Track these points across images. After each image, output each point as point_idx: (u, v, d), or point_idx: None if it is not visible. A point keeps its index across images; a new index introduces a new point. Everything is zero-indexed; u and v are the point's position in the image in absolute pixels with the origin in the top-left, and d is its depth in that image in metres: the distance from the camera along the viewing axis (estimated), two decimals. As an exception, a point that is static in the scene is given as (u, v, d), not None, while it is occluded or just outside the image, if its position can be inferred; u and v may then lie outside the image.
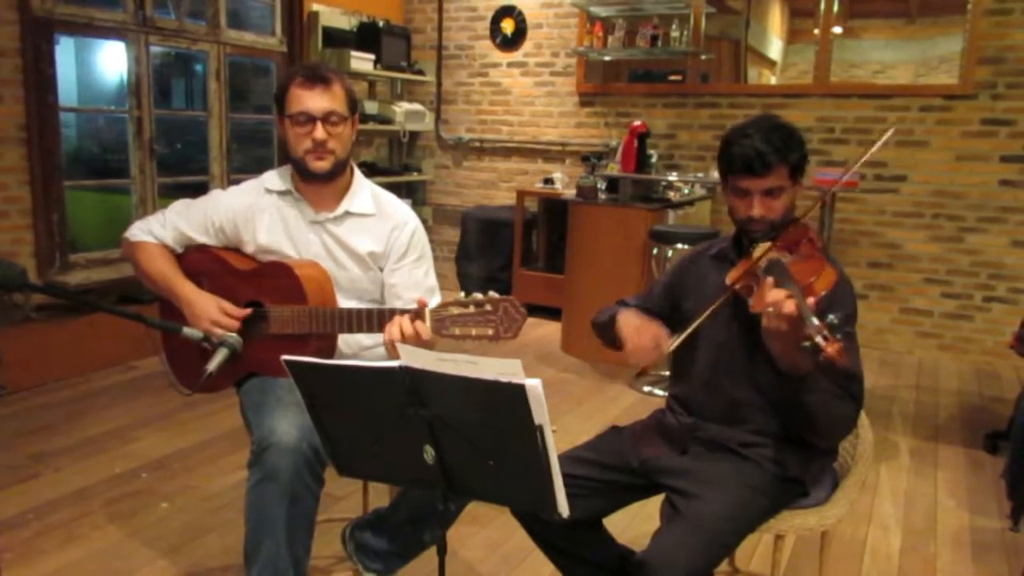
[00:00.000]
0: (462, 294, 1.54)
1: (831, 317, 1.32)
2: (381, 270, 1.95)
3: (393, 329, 1.61)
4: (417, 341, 1.57)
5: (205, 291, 1.88)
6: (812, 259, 1.57)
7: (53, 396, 3.56)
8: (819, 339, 1.29)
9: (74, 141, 6.16)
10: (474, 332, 1.52)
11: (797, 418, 1.57)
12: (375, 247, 1.92)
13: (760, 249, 1.61)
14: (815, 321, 1.31)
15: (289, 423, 1.64)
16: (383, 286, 1.96)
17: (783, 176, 1.61)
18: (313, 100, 1.79)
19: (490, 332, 1.51)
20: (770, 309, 1.41)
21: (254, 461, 1.65)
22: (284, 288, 1.81)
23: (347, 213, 1.92)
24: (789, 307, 1.37)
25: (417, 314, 1.60)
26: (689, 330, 1.62)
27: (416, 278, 1.94)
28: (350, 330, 1.76)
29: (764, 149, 1.58)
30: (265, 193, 1.94)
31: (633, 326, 1.68)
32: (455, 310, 1.53)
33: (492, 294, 1.51)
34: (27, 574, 2.20)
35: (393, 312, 1.67)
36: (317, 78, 1.81)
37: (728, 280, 1.63)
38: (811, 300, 1.39)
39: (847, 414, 1.57)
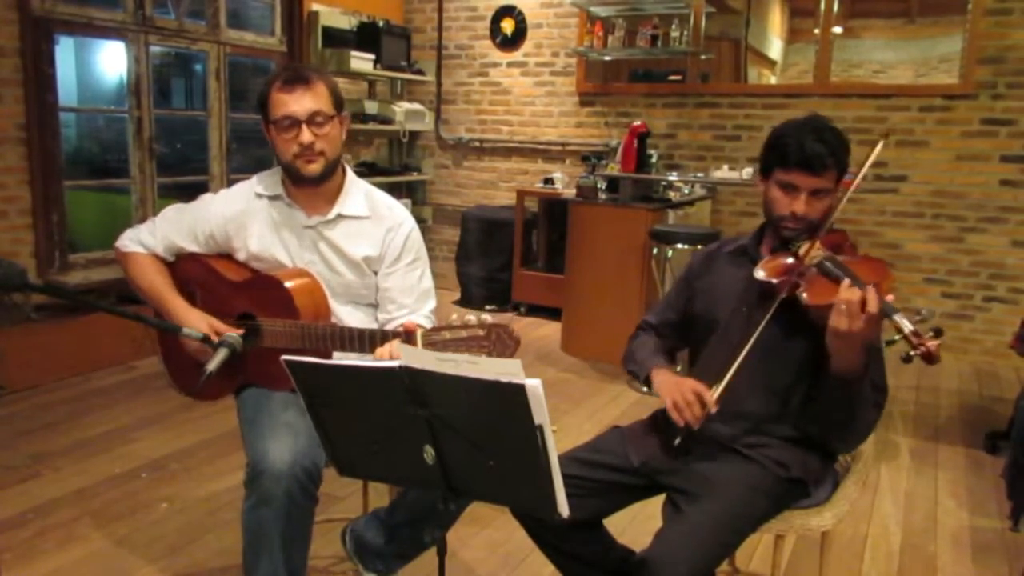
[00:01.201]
0: (455, 316, 1.51)
1: (923, 312, 1.31)
2: (376, 273, 1.91)
3: (383, 353, 1.62)
4: None
5: (197, 305, 1.86)
6: (871, 260, 1.57)
7: (53, 396, 3.56)
8: (910, 333, 1.28)
9: (74, 141, 6.16)
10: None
11: (834, 420, 1.56)
12: (370, 251, 1.89)
13: (806, 247, 1.59)
14: (902, 318, 1.30)
15: (282, 447, 1.63)
16: (377, 290, 1.93)
17: (832, 179, 1.61)
18: (296, 102, 1.74)
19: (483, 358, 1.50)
20: (843, 306, 1.39)
21: (248, 483, 1.65)
22: (275, 301, 1.78)
23: (340, 216, 1.88)
24: (872, 305, 1.36)
25: (408, 338, 1.59)
26: (729, 374, 1.55)
27: (410, 282, 1.91)
28: (342, 349, 1.73)
29: (822, 150, 1.57)
30: (255, 198, 1.89)
31: (673, 382, 1.63)
32: (447, 334, 1.52)
33: (484, 318, 1.48)
34: (27, 574, 2.20)
35: (385, 334, 1.67)
36: (297, 79, 1.74)
37: (761, 275, 1.60)
38: (890, 298, 1.38)
39: (873, 422, 1.59)
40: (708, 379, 1.62)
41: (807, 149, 1.57)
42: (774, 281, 1.58)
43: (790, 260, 1.60)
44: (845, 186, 1.67)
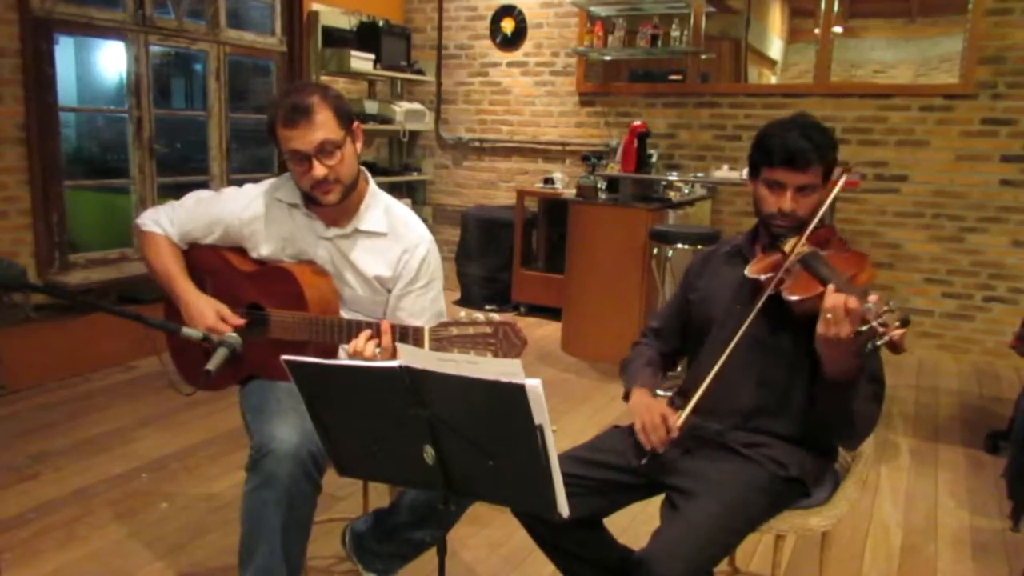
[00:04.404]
0: (463, 313, 1.52)
1: (891, 303, 1.31)
2: (389, 291, 1.89)
3: (351, 346, 1.63)
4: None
5: (207, 292, 1.86)
6: (851, 253, 1.59)
7: (53, 396, 3.56)
8: (876, 324, 1.28)
9: (74, 141, 6.15)
10: (473, 354, 1.52)
11: (835, 422, 1.57)
12: (383, 271, 1.86)
13: (792, 243, 1.61)
14: (871, 306, 1.31)
15: (288, 430, 1.63)
16: (387, 308, 1.90)
17: (818, 175, 1.62)
18: (300, 140, 1.69)
19: (489, 356, 1.50)
20: (829, 315, 1.39)
21: (252, 466, 1.65)
22: (286, 294, 1.79)
23: (357, 231, 1.86)
24: (852, 303, 1.36)
25: (416, 334, 1.59)
26: (698, 395, 1.59)
27: (422, 304, 1.88)
28: (350, 341, 1.73)
29: (805, 145, 1.59)
30: (275, 203, 1.88)
31: (644, 405, 1.67)
32: (455, 330, 1.53)
33: (492, 316, 1.50)
34: (27, 574, 2.20)
35: (390, 326, 1.66)
36: (299, 114, 1.69)
37: (750, 272, 1.62)
38: (873, 298, 1.38)
39: (875, 416, 1.59)
40: (697, 374, 1.64)
41: (791, 146, 1.59)
42: (761, 278, 1.60)
43: (777, 257, 1.62)
44: (832, 185, 1.68)
